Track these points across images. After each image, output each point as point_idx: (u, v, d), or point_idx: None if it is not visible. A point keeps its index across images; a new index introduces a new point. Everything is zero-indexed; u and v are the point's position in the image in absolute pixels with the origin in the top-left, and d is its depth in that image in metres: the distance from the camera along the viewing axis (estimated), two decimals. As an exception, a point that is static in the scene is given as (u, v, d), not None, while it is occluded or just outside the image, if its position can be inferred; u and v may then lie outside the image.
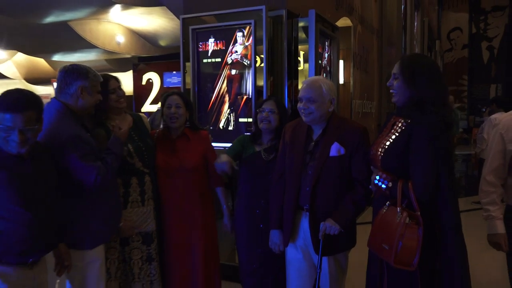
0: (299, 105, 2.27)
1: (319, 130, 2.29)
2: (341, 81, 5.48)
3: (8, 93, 1.82)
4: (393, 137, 1.95)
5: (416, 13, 9.36)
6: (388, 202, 1.92)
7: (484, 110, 8.29)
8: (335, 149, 2.21)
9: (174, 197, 2.65)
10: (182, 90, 3.89)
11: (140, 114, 2.82)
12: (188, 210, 2.67)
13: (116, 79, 2.58)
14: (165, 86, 8.47)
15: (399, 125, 1.95)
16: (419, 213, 1.82)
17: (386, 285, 1.97)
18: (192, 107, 2.79)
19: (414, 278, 1.88)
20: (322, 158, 2.21)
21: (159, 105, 5.30)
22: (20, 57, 11.96)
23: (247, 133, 2.82)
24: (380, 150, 1.99)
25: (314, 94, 2.23)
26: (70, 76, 2.20)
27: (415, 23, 9.28)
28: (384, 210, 1.91)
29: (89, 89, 2.22)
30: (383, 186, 1.91)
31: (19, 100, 1.78)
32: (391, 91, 2.04)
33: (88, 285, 2.24)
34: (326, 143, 2.23)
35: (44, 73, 12.29)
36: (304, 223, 2.29)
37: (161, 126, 2.81)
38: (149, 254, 2.55)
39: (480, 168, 7.15)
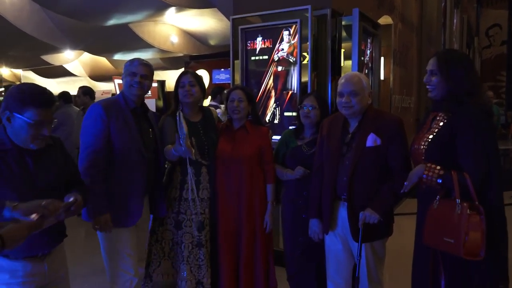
0: (340, 99, 2.21)
1: (355, 123, 2.25)
2: (382, 77, 5.33)
3: (31, 88, 1.63)
4: (436, 131, 1.91)
5: (455, 10, 8.93)
6: (438, 196, 1.84)
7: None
8: (371, 140, 2.17)
9: (228, 184, 2.64)
10: (231, 86, 3.90)
11: (211, 108, 2.84)
12: (241, 197, 2.64)
13: (193, 74, 2.63)
14: (213, 83, 8.54)
15: (440, 119, 1.93)
16: (477, 202, 1.75)
17: (444, 279, 1.89)
18: (254, 101, 2.75)
19: (478, 269, 1.80)
20: (358, 149, 2.17)
21: (208, 100, 5.39)
22: (86, 56, 12.42)
23: (292, 127, 2.79)
24: (423, 144, 1.94)
25: (356, 88, 2.19)
26: None
27: (454, 21, 8.87)
28: (436, 204, 1.83)
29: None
30: (434, 178, 1.82)
31: (47, 95, 1.63)
32: (428, 87, 1.99)
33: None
34: (363, 134, 2.19)
35: (106, 71, 12.71)
36: (342, 212, 2.26)
37: (226, 118, 2.82)
38: (199, 240, 2.55)
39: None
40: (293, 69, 3.54)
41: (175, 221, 2.57)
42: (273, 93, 3.66)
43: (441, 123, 1.91)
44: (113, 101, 2.35)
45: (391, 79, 5.58)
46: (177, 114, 2.35)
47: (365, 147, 2.17)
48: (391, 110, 5.51)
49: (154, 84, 7.72)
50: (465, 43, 10.17)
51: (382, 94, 5.20)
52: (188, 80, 2.58)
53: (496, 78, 14.60)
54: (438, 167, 1.83)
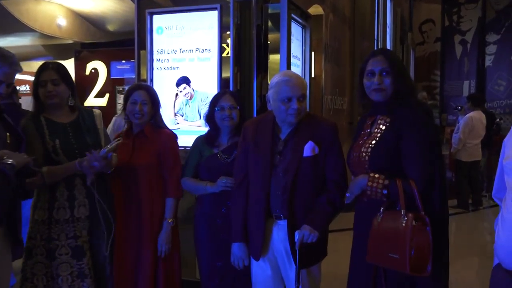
0: (284, 105, 2.20)
1: (287, 128, 2.28)
2: (312, 74, 5.50)
3: None
4: (379, 135, 2.04)
5: (389, 2, 9.56)
6: (382, 208, 1.93)
7: (459, 108, 8.54)
8: (309, 149, 2.22)
9: (126, 200, 2.68)
10: (136, 81, 3.82)
11: (95, 110, 2.77)
12: (142, 215, 2.67)
13: (56, 69, 2.51)
14: (112, 77, 8.23)
15: (381, 122, 2.07)
16: (423, 212, 1.86)
17: None
18: (158, 103, 2.79)
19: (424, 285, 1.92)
20: (295, 159, 2.22)
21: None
22: None
23: (202, 134, 2.80)
24: (365, 151, 2.04)
25: (304, 90, 2.25)
26: None
27: (388, 14, 9.48)
28: (380, 218, 1.91)
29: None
30: (379, 189, 1.92)
31: None
32: (376, 88, 2.07)
33: None
34: (298, 142, 2.24)
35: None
36: (276, 233, 2.28)
37: (124, 122, 2.83)
38: (81, 270, 2.47)
39: (456, 170, 7.40)
40: (212, 63, 3.56)
41: (47, 250, 2.46)
42: (188, 91, 3.66)
43: (383, 127, 2.05)
44: None
45: (323, 77, 5.79)
46: None
47: (303, 157, 2.22)
48: (323, 113, 5.71)
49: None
50: (399, 38, 10.89)
51: (313, 94, 5.38)
52: (51, 79, 2.48)
53: (430, 78, 15.82)
54: (382, 177, 1.94)
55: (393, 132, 1.99)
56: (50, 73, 2.48)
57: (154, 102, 2.74)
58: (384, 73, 2.05)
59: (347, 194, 2.03)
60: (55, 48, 10.17)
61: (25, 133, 2.40)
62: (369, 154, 2.03)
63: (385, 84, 2.05)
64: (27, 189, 2.29)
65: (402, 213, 1.84)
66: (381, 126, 2.06)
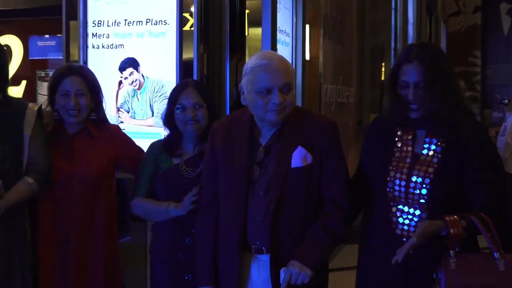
0: (262, 99, 2.18)
1: (269, 130, 2.31)
2: (307, 56, 5.54)
3: None
4: (436, 161, 2.20)
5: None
6: (451, 252, 2.02)
7: (506, 102, 8.63)
8: (299, 157, 2.23)
9: (63, 223, 2.72)
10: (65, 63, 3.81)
11: (33, 105, 2.77)
12: (83, 243, 2.74)
13: None
14: (31, 58, 8.16)
15: (434, 142, 2.23)
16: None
17: None
18: (99, 92, 2.84)
19: None
20: (280, 171, 2.23)
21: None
22: None
23: (159, 139, 2.83)
24: (418, 181, 2.20)
25: (289, 78, 2.25)
26: None
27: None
28: (454, 263, 1.99)
29: None
30: (460, 232, 2.04)
31: None
32: (412, 106, 2.22)
33: None
34: (284, 148, 2.26)
35: None
36: (256, 271, 2.30)
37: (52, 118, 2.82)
38: None
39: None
40: (169, 41, 3.59)
41: None
42: (136, 78, 3.68)
43: (438, 148, 2.22)
44: None
45: (321, 59, 5.81)
46: None
47: (291, 168, 2.24)
48: (321, 108, 5.73)
49: None
50: (425, 6, 10.99)
51: (308, 82, 5.41)
52: None
53: (467, 61, 15.89)
54: (457, 218, 2.06)
55: (455, 157, 2.17)
56: None
57: (94, 90, 2.78)
58: (421, 86, 2.17)
59: (410, 242, 2.06)
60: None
61: None
62: (428, 187, 2.17)
63: (422, 98, 2.18)
64: None
65: (496, 256, 1.96)
66: (434, 147, 2.23)
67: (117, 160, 2.85)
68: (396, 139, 2.29)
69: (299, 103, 4.58)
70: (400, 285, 2.23)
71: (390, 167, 2.25)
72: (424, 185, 2.17)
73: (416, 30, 9.18)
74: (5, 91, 2.70)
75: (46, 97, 2.83)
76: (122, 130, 2.91)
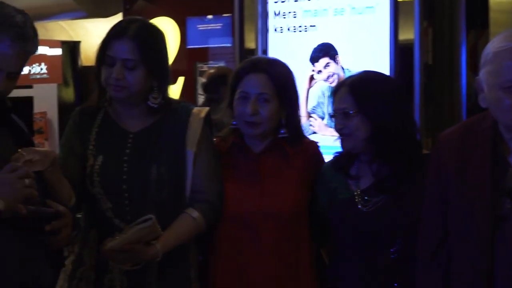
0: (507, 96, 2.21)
1: None
2: None
3: None
4: None
5: None
6: None
7: None
8: None
9: (247, 276, 2.77)
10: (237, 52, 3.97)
11: (199, 109, 2.85)
12: None
13: (136, 36, 2.65)
14: (189, 47, 8.46)
15: None
16: None
17: None
18: (292, 98, 2.87)
19: None
20: None
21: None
22: None
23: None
24: None
25: None
26: None
27: None
28: None
29: None
30: None
31: None
32: None
33: None
34: None
35: None
36: None
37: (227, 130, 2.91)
38: None
39: None
40: (379, 17, 3.65)
41: None
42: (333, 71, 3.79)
43: None
44: None
45: None
46: None
47: None
48: None
49: (56, 52, 7.80)
50: None
51: None
52: (123, 53, 2.65)
53: None
54: None
55: None
56: (125, 43, 2.64)
57: (285, 96, 2.81)
58: None
59: None
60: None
61: (64, 138, 2.66)
62: None
63: None
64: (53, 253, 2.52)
65: None
66: None
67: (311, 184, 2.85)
68: None
69: None
70: None
71: None
72: None
73: None
74: (165, 92, 2.77)
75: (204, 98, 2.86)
76: (320, 150, 2.91)
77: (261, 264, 2.74)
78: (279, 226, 2.76)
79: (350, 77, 2.76)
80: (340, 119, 2.62)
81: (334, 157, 2.81)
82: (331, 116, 2.78)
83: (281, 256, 2.76)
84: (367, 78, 2.71)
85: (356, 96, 2.56)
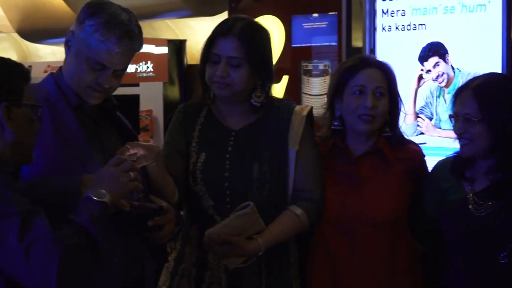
0: None
1: None
2: None
3: None
4: None
5: None
6: None
7: None
8: None
9: (343, 283, 2.79)
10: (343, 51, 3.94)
11: (295, 106, 2.85)
12: None
13: (241, 35, 2.68)
14: (294, 46, 8.50)
15: None
16: None
17: None
18: (397, 93, 2.88)
19: None
20: None
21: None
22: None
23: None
24: None
25: None
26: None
27: None
28: None
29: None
30: None
31: None
32: None
33: None
34: None
35: (53, 18, 13.18)
36: None
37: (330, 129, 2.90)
38: None
39: None
40: (492, 16, 3.59)
41: None
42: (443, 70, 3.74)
43: None
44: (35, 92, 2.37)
45: None
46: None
47: None
48: None
49: (162, 51, 7.92)
50: None
51: None
52: (229, 51, 2.67)
53: None
54: None
55: None
56: (229, 42, 2.69)
57: (394, 93, 2.83)
58: None
59: None
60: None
61: (168, 135, 2.74)
62: None
63: None
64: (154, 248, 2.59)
65: None
66: None
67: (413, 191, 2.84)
68: None
69: None
70: None
71: None
72: None
73: None
74: (269, 91, 2.79)
75: (315, 98, 2.88)
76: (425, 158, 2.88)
77: (357, 269, 2.75)
78: (376, 232, 2.75)
79: (474, 79, 2.67)
80: (461, 124, 2.57)
81: (452, 158, 2.76)
82: (450, 117, 2.70)
83: (377, 263, 2.75)
84: (493, 83, 2.64)
85: (481, 102, 2.49)
